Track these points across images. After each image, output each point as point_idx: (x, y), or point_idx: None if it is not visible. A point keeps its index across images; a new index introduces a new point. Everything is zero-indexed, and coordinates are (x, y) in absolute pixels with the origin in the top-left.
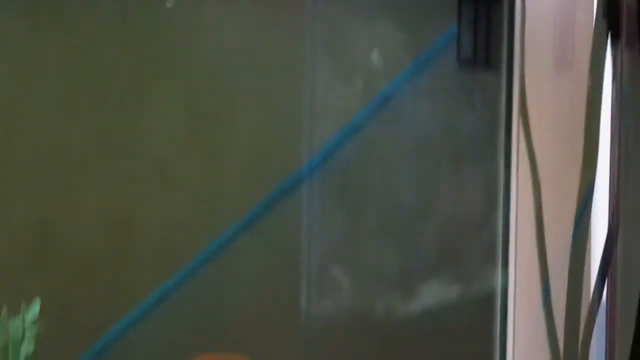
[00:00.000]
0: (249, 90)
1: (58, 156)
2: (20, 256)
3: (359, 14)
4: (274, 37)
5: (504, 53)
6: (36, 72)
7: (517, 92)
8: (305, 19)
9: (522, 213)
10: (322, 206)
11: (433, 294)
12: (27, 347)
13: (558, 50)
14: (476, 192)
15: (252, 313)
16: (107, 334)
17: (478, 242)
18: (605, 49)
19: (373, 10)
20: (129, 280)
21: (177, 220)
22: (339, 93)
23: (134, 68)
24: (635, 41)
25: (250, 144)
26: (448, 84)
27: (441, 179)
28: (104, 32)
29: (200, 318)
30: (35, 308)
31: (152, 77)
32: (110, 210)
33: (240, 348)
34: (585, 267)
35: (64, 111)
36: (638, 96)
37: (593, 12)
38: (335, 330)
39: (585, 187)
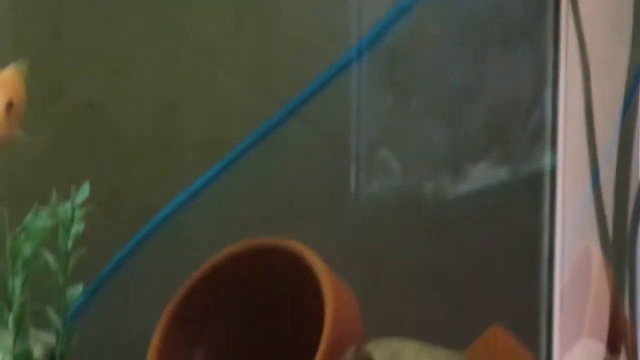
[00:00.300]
0: None
1: (105, 39)
2: (69, 140)
3: None
4: None
5: None
6: None
7: None
8: None
9: (571, 93)
10: (371, 88)
11: (481, 174)
12: (76, 228)
13: None
14: (525, 72)
15: (301, 197)
16: (156, 217)
17: (527, 123)
18: None
19: None
20: (177, 164)
21: (225, 103)
22: None
23: None
24: None
25: (299, 25)
26: None
27: (490, 59)
28: None
29: (248, 203)
30: (84, 191)
31: None
32: (158, 93)
33: (289, 232)
34: (634, 147)
35: None
36: None
37: None
38: (384, 212)
39: (634, 66)
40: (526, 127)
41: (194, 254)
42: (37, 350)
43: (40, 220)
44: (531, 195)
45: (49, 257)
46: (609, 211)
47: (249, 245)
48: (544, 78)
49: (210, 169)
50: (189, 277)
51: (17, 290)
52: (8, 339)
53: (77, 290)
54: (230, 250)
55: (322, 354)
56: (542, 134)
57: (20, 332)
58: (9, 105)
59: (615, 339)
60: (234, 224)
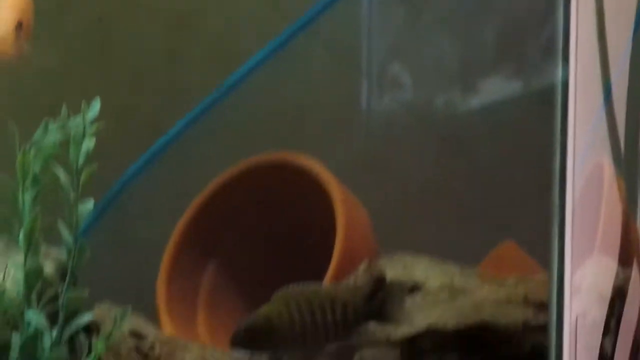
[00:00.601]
0: None
1: None
2: (79, 56)
3: None
4: None
5: None
6: None
7: None
8: None
9: (583, 6)
10: (382, 3)
11: (493, 89)
12: (87, 144)
13: None
14: None
15: (312, 113)
16: (167, 132)
17: (538, 36)
18: None
19: None
20: (188, 79)
21: (236, 18)
22: None
23: None
24: None
25: None
26: None
27: None
28: None
29: (260, 118)
30: (95, 107)
31: None
32: (168, 8)
33: (300, 148)
34: None
35: None
36: None
37: None
38: (395, 128)
39: None
40: (538, 40)
41: (205, 168)
42: (48, 266)
43: (50, 135)
44: (543, 110)
45: (60, 173)
46: (620, 126)
47: (261, 160)
48: None
49: (221, 84)
50: (201, 191)
51: (28, 206)
52: (19, 255)
53: (88, 206)
54: (243, 165)
55: (333, 269)
56: (554, 48)
57: (31, 248)
58: (19, 25)
59: (627, 254)
60: (245, 138)
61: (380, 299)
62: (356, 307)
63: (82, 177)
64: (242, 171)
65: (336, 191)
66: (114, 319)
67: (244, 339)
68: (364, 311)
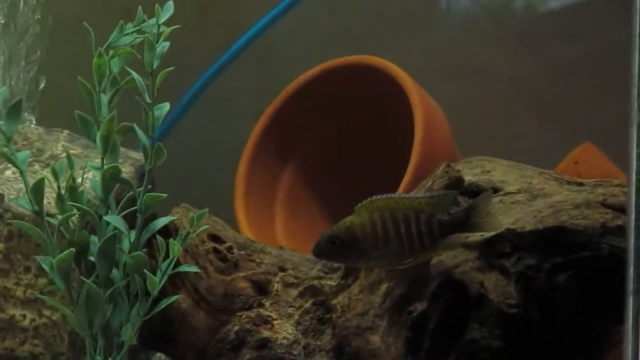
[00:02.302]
0: None
1: None
2: None
3: None
4: None
5: None
6: None
7: None
8: None
9: None
10: None
11: None
12: (161, 46)
13: None
14: None
15: (392, 11)
16: (245, 33)
17: None
18: None
19: None
20: None
21: None
22: None
23: None
24: None
25: None
26: None
27: None
28: None
29: (338, 19)
30: (169, 8)
31: None
32: None
33: (379, 49)
34: None
35: None
36: None
37: None
38: (474, 28)
39: None
40: None
41: (284, 70)
42: (126, 168)
43: (126, 36)
44: (622, 9)
45: (135, 75)
46: None
47: (337, 63)
48: None
49: None
50: (280, 93)
51: (104, 108)
52: (97, 157)
53: (163, 108)
54: (319, 68)
55: (411, 171)
56: None
57: (108, 150)
58: None
59: None
60: (324, 40)
61: (466, 210)
62: (441, 219)
63: (157, 80)
64: (318, 74)
65: (414, 92)
66: (191, 221)
67: (327, 250)
68: (449, 222)
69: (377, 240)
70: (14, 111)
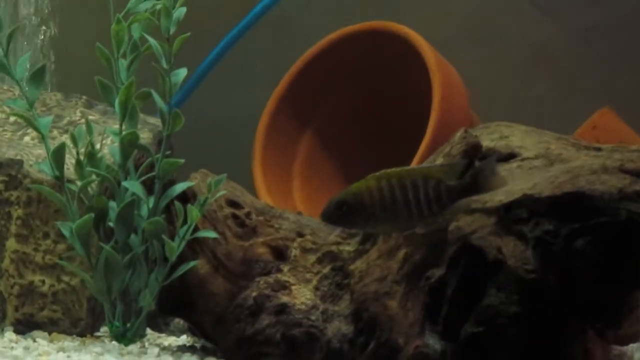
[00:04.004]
0: None
1: None
2: None
3: None
4: None
5: None
6: None
7: None
8: None
9: None
10: None
11: None
12: (178, 12)
13: None
14: None
15: None
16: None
17: None
18: None
19: None
20: None
21: None
22: None
23: None
24: None
25: None
26: None
27: None
28: None
29: None
30: None
31: None
32: None
33: (397, 15)
34: None
35: None
36: None
37: None
38: None
39: None
40: None
41: (302, 37)
42: (145, 134)
43: (144, 2)
44: None
45: (152, 41)
46: None
47: (356, 29)
48: None
49: None
50: (299, 58)
51: (123, 74)
52: (116, 123)
53: (181, 74)
54: (338, 34)
55: (429, 136)
56: None
57: (127, 115)
58: None
59: None
60: (343, 6)
61: (473, 174)
62: (450, 184)
63: (174, 46)
64: (337, 39)
65: (432, 58)
66: (209, 187)
67: (334, 215)
68: (458, 187)
69: (384, 205)
70: (38, 76)
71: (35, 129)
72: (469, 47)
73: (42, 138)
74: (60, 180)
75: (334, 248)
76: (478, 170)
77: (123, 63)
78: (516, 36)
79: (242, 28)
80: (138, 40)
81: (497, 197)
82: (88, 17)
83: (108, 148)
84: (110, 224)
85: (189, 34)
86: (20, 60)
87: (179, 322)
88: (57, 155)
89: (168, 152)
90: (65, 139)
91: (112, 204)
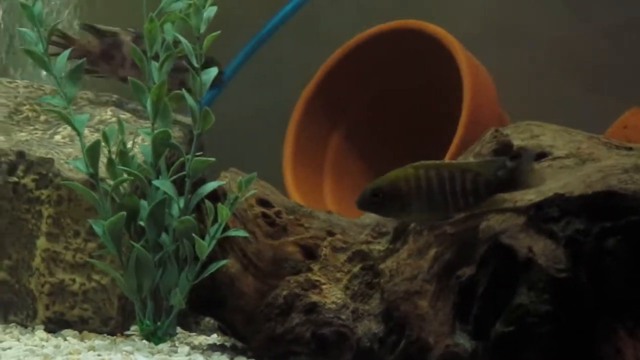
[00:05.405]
0: None
1: None
2: None
3: None
4: None
5: None
6: None
7: None
8: None
9: None
10: None
11: None
12: (209, 11)
13: None
14: None
15: None
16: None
17: None
18: None
19: None
20: None
21: None
22: None
23: None
24: None
25: None
26: None
27: None
28: None
29: None
30: None
31: None
32: None
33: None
34: None
35: None
36: None
37: None
38: None
39: None
40: None
41: (331, 37)
42: (176, 132)
43: (177, 2)
44: None
45: (183, 40)
46: None
47: (385, 28)
48: None
49: None
50: (327, 58)
51: (155, 73)
52: (146, 122)
53: (211, 73)
54: (367, 33)
55: (460, 135)
56: None
57: (158, 114)
58: None
59: None
60: (370, 6)
61: (510, 169)
62: (488, 178)
63: (204, 44)
64: (366, 38)
65: (462, 56)
66: (240, 186)
67: (369, 200)
68: (495, 181)
69: (420, 194)
70: (75, 74)
71: (72, 126)
72: (497, 45)
73: (78, 135)
74: (94, 178)
75: (364, 247)
76: (516, 166)
77: (155, 62)
78: (546, 34)
79: (271, 27)
80: (171, 40)
81: (528, 196)
82: (119, 13)
83: (139, 146)
84: (141, 223)
85: (219, 32)
86: (59, 57)
87: (209, 321)
88: (92, 153)
89: (200, 153)
90: (97, 137)
91: (143, 203)
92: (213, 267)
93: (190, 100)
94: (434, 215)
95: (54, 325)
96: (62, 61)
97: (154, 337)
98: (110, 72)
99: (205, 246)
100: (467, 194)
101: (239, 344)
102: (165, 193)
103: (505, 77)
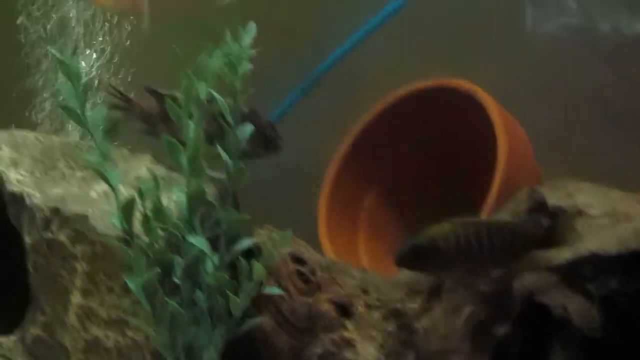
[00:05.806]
0: None
1: None
2: None
3: None
4: None
5: None
6: None
7: None
8: None
9: None
10: None
11: None
12: (243, 68)
13: None
14: None
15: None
16: (328, 56)
17: None
18: None
19: None
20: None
21: None
22: None
23: None
24: None
25: None
26: None
27: None
28: None
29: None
30: (251, 30)
31: None
32: None
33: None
34: None
35: None
36: None
37: None
38: (559, 51)
39: None
40: None
41: (366, 94)
42: (210, 189)
43: (214, 59)
44: None
45: (218, 97)
46: None
47: (420, 86)
48: None
49: (384, 7)
50: (361, 117)
51: (191, 131)
52: (183, 178)
53: (246, 130)
54: (403, 91)
55: (494, 194)
56: None
57: (194, 171)
58: None
59: None
60: (406, 63)
61: (547, 227)
62: (525, 235)
63: (239, 101)
64: (402, 96)
65: (497, 115)
66: (274, 243)
67: (408, 257)
68: (532, 239)
69: (459, 250)
70: (112, 129)
71: (107, 181)
72: (534, 100)
73: (113, 191)
74: (129, 234)
75: (399, 305)
76: (552, 224)
77: (192, 120)
78: (582, 91)
79: (308, 83)
80: (205, 98)
81: (564, 254)
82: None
83: (174, 203)
84: (175, 279)
85: (253, 89)
86: (94, 112)
87: None
88: (127, 209)
89: (233, 208)
90: (132, 193)
91: (178, 259)
92: (247, 325)
93: (225, 156)
94: (472, 272)
95: None
96: (98, 117)
97: None
98: (169, 134)
99: (239, 303)
100: (505, 251)
101: None
102: (199, 250)
103: (541, 133)
